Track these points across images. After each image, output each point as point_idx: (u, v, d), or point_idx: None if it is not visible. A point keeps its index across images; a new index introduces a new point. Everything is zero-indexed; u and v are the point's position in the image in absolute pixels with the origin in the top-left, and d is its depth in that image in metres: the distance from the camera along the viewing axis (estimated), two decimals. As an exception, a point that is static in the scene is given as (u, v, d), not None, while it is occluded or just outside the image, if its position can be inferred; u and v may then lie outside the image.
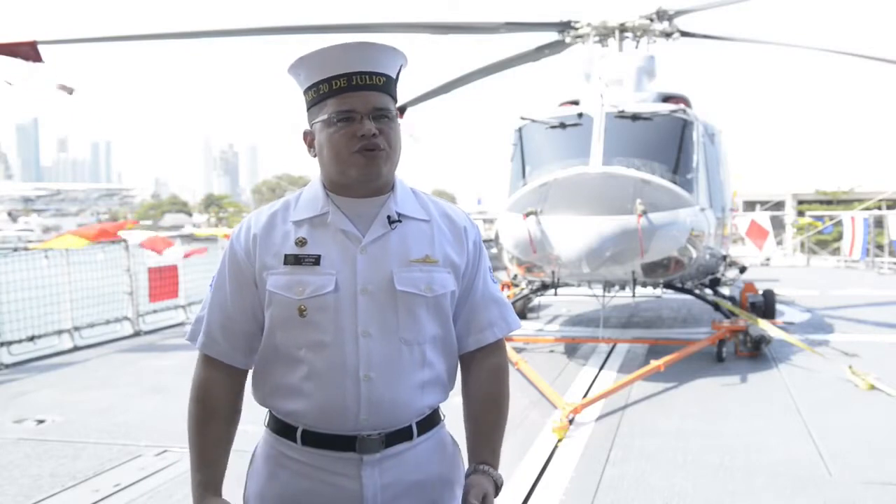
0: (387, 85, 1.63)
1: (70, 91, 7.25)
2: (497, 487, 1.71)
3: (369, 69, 1.61)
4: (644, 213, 6.35)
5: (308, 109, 1.67)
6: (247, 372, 1.73)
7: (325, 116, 1.61)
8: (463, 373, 1.80)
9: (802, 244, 21.50)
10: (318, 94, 1.62)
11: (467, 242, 1.73)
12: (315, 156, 1.68)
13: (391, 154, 1.63)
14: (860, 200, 23.14)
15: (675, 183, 7.27)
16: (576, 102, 8.68)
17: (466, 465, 1.80)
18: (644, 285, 7.84)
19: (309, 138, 1.69)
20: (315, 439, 1.62)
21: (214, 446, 1.68)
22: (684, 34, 9.31)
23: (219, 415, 1.69)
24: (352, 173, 1.61)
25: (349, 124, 1.59)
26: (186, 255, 10.19)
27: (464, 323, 1.75)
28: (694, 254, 7.26)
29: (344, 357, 1.59)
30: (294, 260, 1.62)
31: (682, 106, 7.94)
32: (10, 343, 7.74)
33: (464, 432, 1.80)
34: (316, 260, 1.61)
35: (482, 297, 1.76)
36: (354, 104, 1.59)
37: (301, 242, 1.63)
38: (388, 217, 1.64)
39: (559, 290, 7.87)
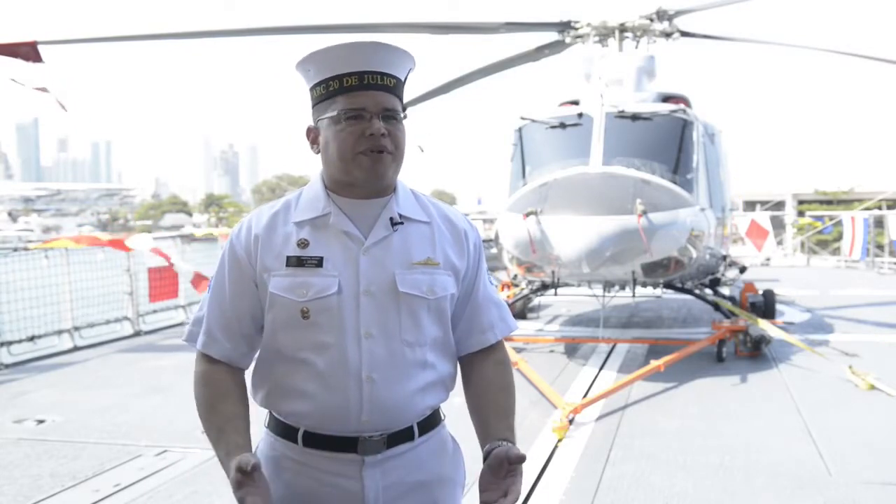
0: (396, 87, 1.63)
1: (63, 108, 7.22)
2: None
3: (382, 69, 1.60)
4: (644, 213, 6.35)
5: (314, 106, 1.65)
6: (242, 372, 1.72)
7: (333, 113, 1.60)
8: (466, 372, 1.79)
9: (802, 244, 21.49)
10: (328, 90, 1.61)
11: (468, 245, 1.73)
12: (318, 152, 1.67)
13: (397, 156, 1.62)
14: (860, 200, 23.12)
15: (675, 183, 7.26)
16: (576, 102, 8.68)
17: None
18: (644, 285, 7.84)
19: (313, 135, 1.67)
20: (316, 440, 1.62)
21: (233, 418, 1.61)
22: (684, 34, 9.31)
23: (230, 395, 1.64)
24: (356, 174, 1.60)
25: (358, 122, 1.58)
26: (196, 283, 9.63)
27: (465, 325, 1.75)
28: (694, 254, 7.26)
29: (346, 358, 1.59)
30: (296, 262, 1.61)
31: (682, 106, 7.93)
32: (10, 343, 7.73)
33: (465, 432, 1.80)
34: (318, 262, 1.60)
35: (483, 299, 1.76)
36: (365, 103, 1.58)
37: (303, 244, 1.62)
38: (391, 219, 1.64)
39: (559, 290, 7.87)
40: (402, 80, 1.66)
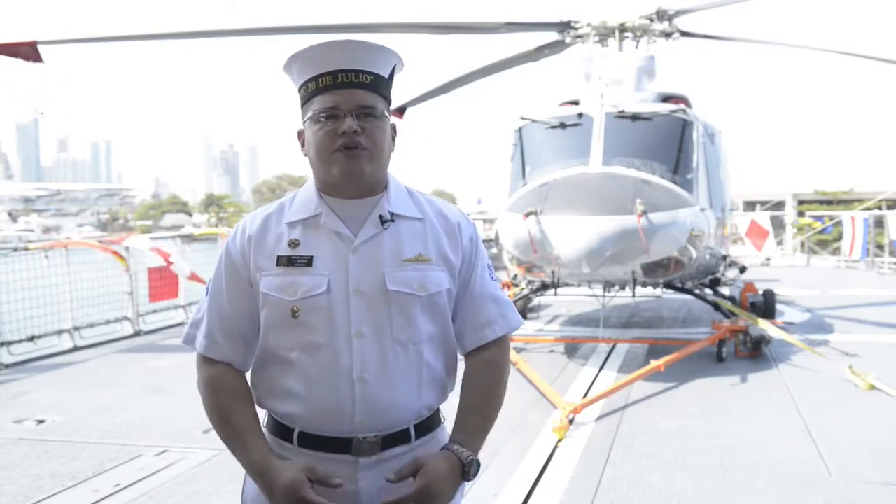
0: (375, 84, 1.62)
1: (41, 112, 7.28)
2: (464, 466, 1.61)
3: (357, 67, 1.60)
4: (644, 213, 6.35)
5: (301, 107, 1.67)
6: (245, 374, 1.72)
7: (311, 113, 1.61)
8: (464, 371, 1.79)
9: (802, 244, 21.50)
10: (308, 91, 1.63)
11: (462, 239, 1.71)
12: (306, 155, 1.68)
13: (375, 153, 1.61)
14: (860, 200, 23.14)
15: (675, 183, 7.26)
16: (576, 102, 8.68)
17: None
18: (644, 285, 7.84)
19: (302, 137, 1.69)
20: (311, 441, 1.62)
21: (251, 423, 1.63)
22: (684, 34, 9.30)
23: (241, 400, 1.66)
24: (334, 172, 1.60)
25: (333, 122, 1.58)
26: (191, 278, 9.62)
27: (462, 321, 1.74)
28: (694, 254, 7.26)
29: (337, 358, 1.59)
30: (286, 261, 1.62)
31: (682, 106, 7.93)
32: (10, 343, 7.73)
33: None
34: (308, 261, 1.61)
35: (480, 295, 1.74)
36: (338, 101, 1.59)
37: (294, 244, 1.63)
38: (381, 217, 1.64)
39: (559, 290, 7.87)
40: (385, 76, 1.65)
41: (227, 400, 1.65)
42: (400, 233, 1.65)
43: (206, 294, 1.73)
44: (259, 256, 1.64)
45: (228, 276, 1.68)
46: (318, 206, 1.65)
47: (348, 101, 1.59)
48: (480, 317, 1.74)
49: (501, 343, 1.77)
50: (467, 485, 1.79)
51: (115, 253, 9.22)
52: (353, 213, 1.64)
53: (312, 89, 1.61)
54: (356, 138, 1.58)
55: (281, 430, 1.66)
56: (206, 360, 1.70)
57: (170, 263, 9.30)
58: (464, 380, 1.76)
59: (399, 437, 1.63)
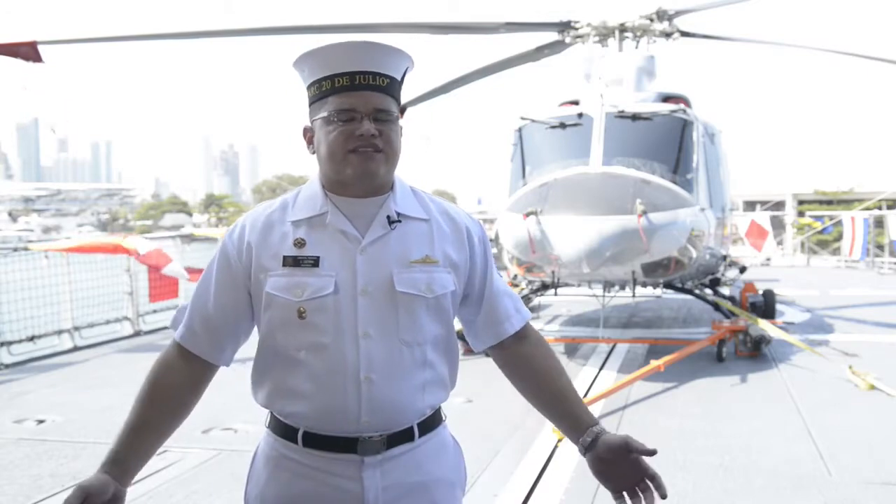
0: (390, 87, 1.62)
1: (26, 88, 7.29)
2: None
3: (374, 69, 1.59)
4: (644, 213, 6.36)
5: (310, 105, 1.66)
6: (216, 369, 1.72)
7: (325, 113, 1.60)
8: (505, 361, 1.82)
9: (802, 244, 21.50)
10: (321, 90, 1.61)
11: (472, 240, 1.72)
12: (314, 153, 1.67)
13: (389, 155, 1.61)
14: (860, 200, 23.16)
15: (675, 183, 7.27)
16: (576, 102, 8.68)
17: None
18: (644, 285, 7.84)
19: (309, 135, 1.67)
20: (316, 441, 1.62)
21: (142, 428, 1.68)
22: (684, 34, 9.31)
23: (165, 403, 1.68)
24: (348, 171, 1.59)
25: (349, 123, 1.58)
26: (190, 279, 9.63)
27: (483, 318, 1.77)
28: (694, 254, 7.26)
29: (344, 359, 1.58)
30: (293, 262, 1.61)
31: (682, 106, 7.94)
32: (10, 343, 7.73)
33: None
34: (315, 261, 1.60)
35: (497, 292, 1.78)
36: (355, 103, 1.58)
37: (300, 244, 1.62)
38: (388, 217, 1.63)
39: (559, 290, 7.87)
40: (398, 79, 1.65)
41: (155, 390, 1.69)
42: (406, 234, 1.65)
43: (198, 284, 1.72)
44: (263, 256, 1.63)
45: (220, 272, 1.68)
46: (323, 204, 1.64)
47: (366, 104, 1.58)
48: (499, 312, 1.78)
49: (532, 328, 1.83)
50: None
51: (125, 250, 9.16)
52: (360, 213, 1.64)
53: (327, 88, 1.60)
54: (373, 141, 1.58)
55: (285, 430, 1.65)
56: (176, 346, 1.71)
57: (165, 261, 9.16)
58: (528, 366, 1.79)
59: (403, 436, 1.64)
